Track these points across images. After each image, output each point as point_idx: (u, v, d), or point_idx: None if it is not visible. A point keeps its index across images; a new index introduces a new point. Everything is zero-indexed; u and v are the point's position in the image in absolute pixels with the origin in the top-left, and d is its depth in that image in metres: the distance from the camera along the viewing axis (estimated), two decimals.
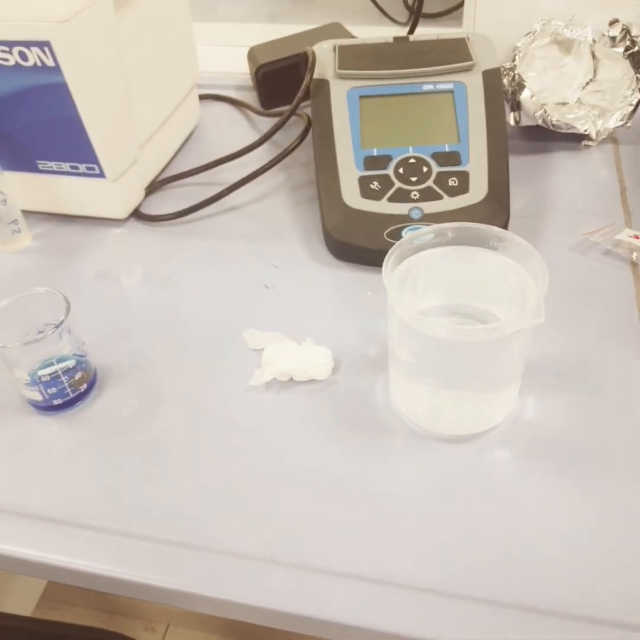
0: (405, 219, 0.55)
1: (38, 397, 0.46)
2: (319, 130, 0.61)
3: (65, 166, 0.59)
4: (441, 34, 0.65)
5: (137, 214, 0.65)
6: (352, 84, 0.62)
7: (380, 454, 0.44)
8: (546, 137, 0.68)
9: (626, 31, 0.68)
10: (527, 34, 0.71)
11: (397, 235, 0.55)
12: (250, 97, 0.82)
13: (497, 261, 0.41)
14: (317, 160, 0.61)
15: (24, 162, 0.60)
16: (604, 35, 0.69)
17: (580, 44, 0.69)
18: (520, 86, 0.67)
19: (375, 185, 0.57)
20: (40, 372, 0.45)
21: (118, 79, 0.57)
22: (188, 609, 0.40)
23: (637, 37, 0.67)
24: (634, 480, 0.41)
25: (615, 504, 0.40)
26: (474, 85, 0.61)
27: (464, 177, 0.56)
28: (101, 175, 0.59)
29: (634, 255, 0.54)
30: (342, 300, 0.55)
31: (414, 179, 0.57)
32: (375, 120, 0.60)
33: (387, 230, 0.55)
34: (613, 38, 0.68)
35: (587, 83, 0.69)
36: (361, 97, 0.61)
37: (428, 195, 0.56)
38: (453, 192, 0.56)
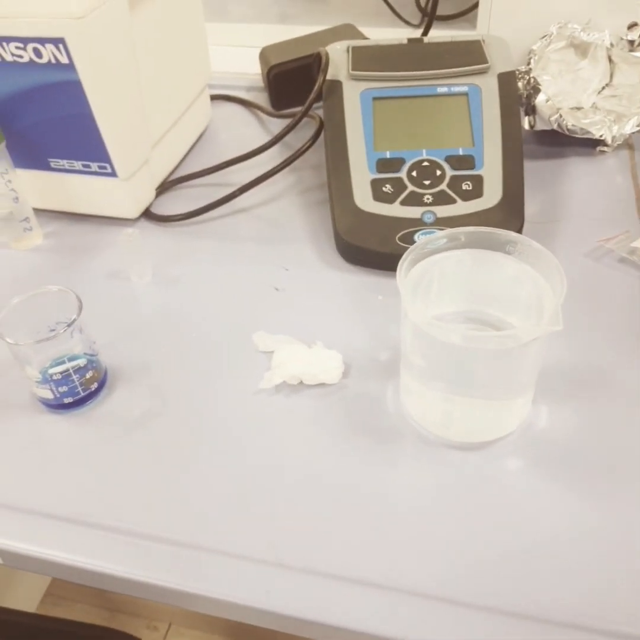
0: (418, 223, 0.55)
1: (49, 395, 0.46)
2: (331, 132, 0.61)
3: (77, 165, 0.59)
4: (456, 36, 0.65)
5: (147, 214, 0.65)
6: (365, 85, 0.61)
7: (390, 460, 0.44)
8: (561, 142, 0.67)
9: None
10: (543, 37, 0.70)
11: (409, 239, 0.54)
12: (261, 98, 0.82)
13: (514, 267, 0.41)
14: (329, 163, 0.60)
15: (36, 160, 0.60)
16: (622, 39, 0.68)
17: (597, 48, 0.68)
18: (536, 90, 0.66)
19: (387, 188, 0.56)
20: (52, 371, 0.45)
21: (131, 77, 0.57)
22: (193, 610, 0.40)
23: None
24: None
25: (629, 515, 0.39)
26: (489, 88, 0.60)
27: (478, 181, 0.56)
28: (113, 174, 0.59)
29: None
30: (353, 304, 0.55)
31: (427, 182, 0.56)
32: (388, 122, 0.60)
33: (400, 234, 0.54)
34: (631, 42, 0.68)
35: (603, 87, 0.69)
36: (374, 98, 0.61)
37: (441, 199, 0.55)
38: (467, 197, 0.55)
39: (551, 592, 0.36)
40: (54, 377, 0.45)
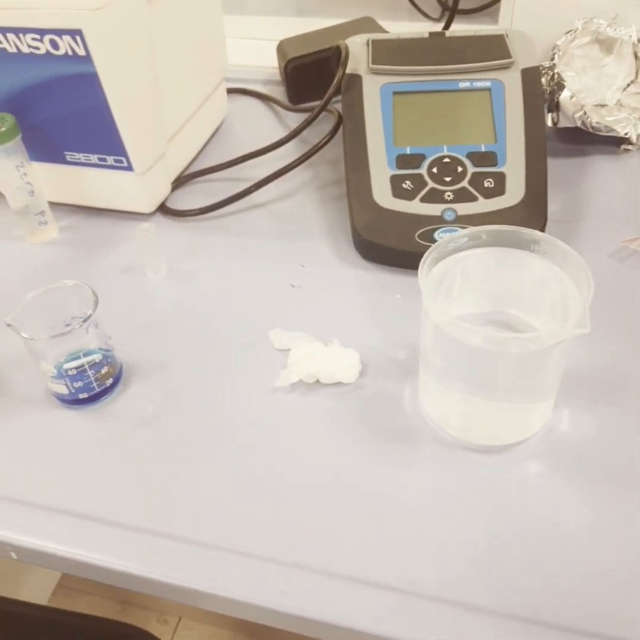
0: (438, 221, 0.54)
1: (64, 390, 0.45)
2: (350, 127, 0.60)
3: (93, 158, 0.59)
4: (478, 30, 0.64)
5: (163, 209, 0.64)
6: (385, 79, 0.60)
7: (408, 462, 0.43)
8: (584, 140, 0.66)
9: None
10: (568, 32, 0.69)
11: (429, 236, 0.53)
12: (278, 92, 0.81)
13: (539, 267, 0.40)
14: (347, 158, 0.59)
15: (51, 153, 0.60)
16: None
17: (623, 44, 0.67)
18: (560, 86, 0.65)
19: (407, 184, 0.55)
20: (67, 366, 0.44)
21: (148, 70, 0.56)
22: (208, 609, 0.39)
23: None
24: None
25: None
26: (512, 83, 0.59)
27: (500, 178, 0.55)
28: (129, 168, 0.58)
29: None
30: (370, 302, 0.54)
31: (448, 179, 0.55)
32: (408, 117, 0.59)
33: (419, 232, 0.53)
34: None
35: (628, 84, 0.67)
36: (395, 93, 0.60)
37: (462, 196, 0.54)
38: (488, 194, 0.54)
39: (570, 598, 0.36)
40: (69, 373, 0.44)
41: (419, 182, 0.55)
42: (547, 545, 0.38)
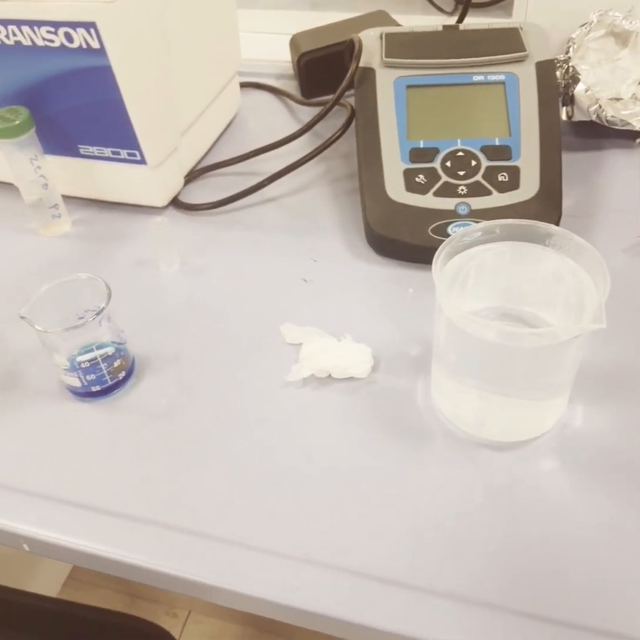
0: (452, 215, 0.53)
1: (77, 383, 0.45)
2: (363, 121, 0.60)
3: (107, 151, 0.59)
4: (492, 23, 0.63)
5: (175, 203, 0.64)
6: (399, 73, 0.60)
7: (420, 458, 0.43)
8: (599, 134, 0.65)
9: None
10: (583, 25, 0.68)
11: (442, 231, 0.53)
12: (291, 86, 0.81)
13: (555, 261, 0.39)
14: (360, 152, 0.59)
15: (65, 146, 0.60)
16: None
17: (638, 36, 0.66)
18: (574, 79, 0.64)
19: (420, 178, 0.55)
20: (80, 358, 0.44)
21: (163, 63, 0.56)
22: (221, 604, 0.39)
23: None
24: None
25: None
26: (526, 77, 0.59)
27: (514, 172, 0.54)
28: (142, 161, 0.58)
29: None
30: (382, 297, 0.54)
31: (461, 173, 0.55)
32: (422, 111, 0.58)
33: (432, 226, 0.53)
34: None
35: None
36: (408, 86, 0.59)
37: (476, 190, 0.54)
38: (503, 188, 0.54)
39: (585, 596, 0.35)
40: (82, 365, 0.44)
41: (432, 176, 0.55)
42: (562, 542, 0.38)
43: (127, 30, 0.51)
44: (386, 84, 0.60)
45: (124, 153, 0.58)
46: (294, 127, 0.65)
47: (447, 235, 0.52)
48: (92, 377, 0.45)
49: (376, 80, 0.60)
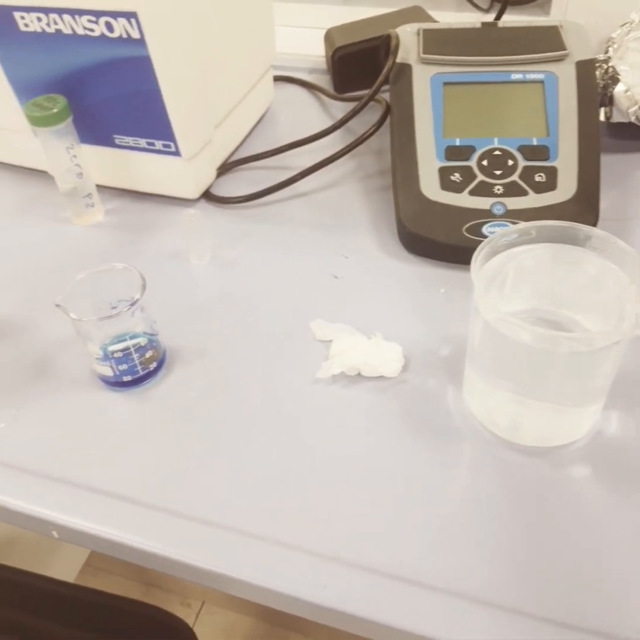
0: (487, 215, 0.53)
1: (109, 372, 0.46)
2: (399, 117, 0.59)
3: (142, 142, 0.59)
4: (532, 21, 0.62)
5: (207, 195, 0.64)
6: (436, 69, 0.59)
7: (450, 460, 0.42)
8: (638, 136, 0.64)
9: None
10: (623, 25, 0.67)
11: (477, 231, 0.52)
12: (323, 81, 0.80)
13: (597, 265, 0.39)
14: (395, 148, 0.59)
15: (101, 136, 0.60)
16: None
17: None
18: (614, 80, 0.63)
19: (456, 177, 0.54)
20: (112, 348, 0.44)
21: (200, 55, 0.56)
22: (246, 598, 0.39)
23: None
24: None
25: None
26: (566, 76, 0.58)
27: (551, 173, 0.54)
28: (176, 153, 0.58)
29: None
30: (413, 296, 0.53)
31: (498, 172, 0.54)
32: (459, 108, 0.58)
33: (467, 225, 0.53)
34: None
35: None
36: (445, 83, 0.59)
37: (512, 190, 0.53)
38: (539, 189, 0.53)
39: (614, 605, 0.35)
40: (115, 355, 0.45)
41: (468, 174, 0.54)
42: (594, 551, 0.37)
43: (167, 21, 0.51)
44: (423, 80, 0.59)
45: (158, 144, 0.58)
46: (325, 122, 0.65)
47: (482, 235, 0.52)
48: (124, 367, 0.45)
49: (413, 76, 0.59)
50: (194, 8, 0.54)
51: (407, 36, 0.63)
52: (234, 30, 0.62)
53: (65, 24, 0.52)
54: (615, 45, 0.67)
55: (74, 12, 0.51)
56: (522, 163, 0.54)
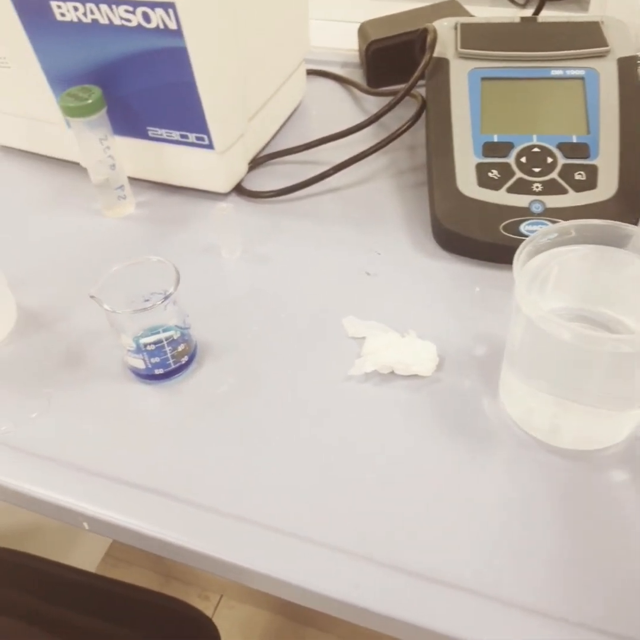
0: (525, 213, 0.52)
1: (141, 365, 0.45)
2: (435, 112, 0.58)
3: (175, 135, 0.58)
4: (572, 17, 0.61)
5: (238, 189, 0.64)
6: (474, 64, 0.58)
7: (485, 461, 0.41)
8: None
9: None
10: None
11: (514, 229, 0.51)
12: (356, 75, 0.80)
13: None
14: (431, 144, 0.58)
15: (134, 127, 0.60)
16: None
17: None
18: None
19: (493, 173, 0.53)
20: (145, 340, 0.44)
21: (236, 47, 0.56)
22: (279, 596, 0.39)
23: None
24: None
25: None
26: (607, 73, 0.56)
27: (592, 171, 0.53)
28: (210, 146, 0.58)
29: None
30: (448, 294, 0.52)
31: (536, 169, 0.53)
32: (497, 104, 0.57)
33: (504, 223, 0.52)
34: None
35: None
36: (483, 79, 0.58)
37: (551, 188, 0.52)
38: (579, 187, 0.52)
39: None
40: (148, 348, 0.44)
41: (506, 171, 0.53)
42: (632, 557, 0.36)
43: (204, 12, 0.51)
44: (460, 75, 0.58)
45: (192, 137, 0.58)
46: (358, 117, 0.64)
47: (520, 234, 0.51)
48: (156, 359, 0.45)
49: (450, 71, 0.59)
50: (230, 0, 0.53)
51: (445, 30, 0.62)
52: (269, 23, 0.62)
53: (102, 14, 0.52)
54: None
55: (111, 2, 0.51)
56: (561, 161, 0.53)
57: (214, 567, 0.39)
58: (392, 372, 0.47)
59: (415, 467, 0.41)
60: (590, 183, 0.52)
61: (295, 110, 0.75)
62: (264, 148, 0.69)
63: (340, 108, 0.75)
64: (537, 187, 0.52)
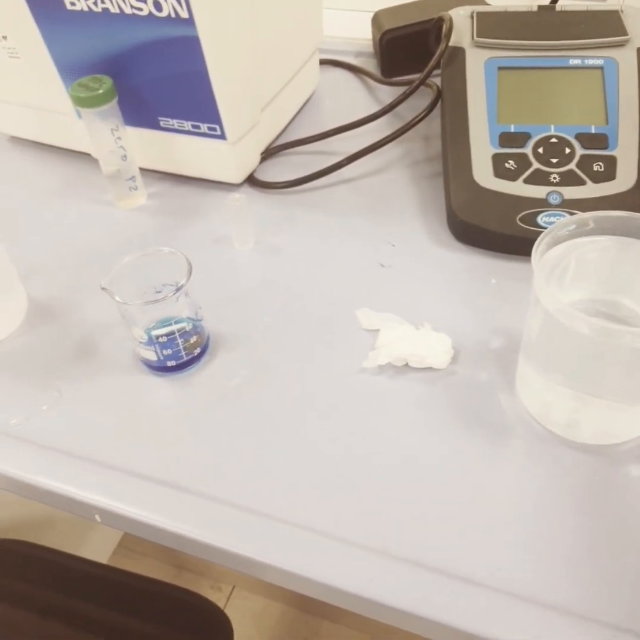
0: (542, 204, 0.51)
1: (153, 357, 0.45)
2: (451, 102, 0.57)
3: (187, 125, 0.58)
4: (591, 5, 0.60)
5: (251, 180, 0.63)
6: (490, 53, 0.57)
7: (500, 455, 0.41)
8: None
9: None
10: None
11: (531, 220, 0.50)
12: (369, 64, 0.79)
13: None
14: (447, 134, 0.57)
15: (146, 117, 0.59)
16: None
17: None
18: None
19: (510, 164, 0.53)
20: (156, 332, 0.44)
21: (249, 37, 0.55)
22: (294, 590, 0.38)
23: None
24: None
25: None
26: (627, 62, 0.55)
27: (610, 162, 0.52)
28: (222, 136, 0.57)
29: None
30: (463, 286, 0.52)
31: (554, 160, 0.52)
32: (514, 94, 0.56)
33: (521, 215, 0.51)
34: None
35: None
36: (500, 68, 0.57)
37: (569, 179, 0.51)
38: (597, 178, 0.51)
39: None
40: (160, 340, 0.44)
41: (523, 162, 0.52)
42: None
43: (216, 1, 0.50)
44: (476, 64, 0.57)
45: (204, 127, 0.57)
46: (371, 107, 0.64)
47: (537, 225, 0.50)
48: (168, 351, 0.45)
49: (466, 60, 0.58)
50: None
51: (460, 19, 0.61)
52: (282, 12, 0.61)
53: (113, 3, 0.51)
54: None
55: None
56: (579, 151, 0.52)
57: (226, 560, 0.39)
58: (407, 365, 0.46)
59: (430, 460, 0.41)
60: (608, 174, 0.51)
61: (308, 100, 0.74)
62: (276, 138, 0.68)
63: (354, 98, 0.74)
64: (554, 178, 0.52)
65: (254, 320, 0.51)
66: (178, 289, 0.43)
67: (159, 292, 0.45)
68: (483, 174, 0.53)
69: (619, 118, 0.53)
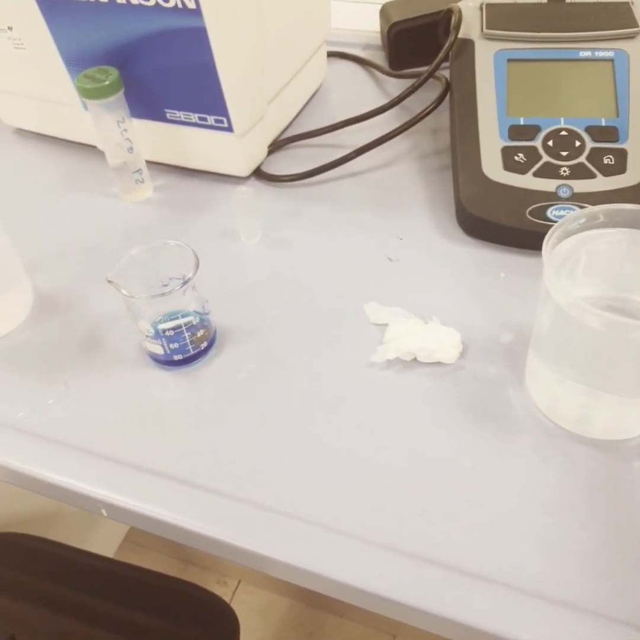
0: (552, 197, 0.50)
1: (159, 350, 0.45)
2: (460, 95, 0.57)
3: (194, 117, 0.58)
4: None
5: (258, 173, 0.63)
6: (500, 45, 0.57)
7: (509, 450, 0.40)
8: None
9: None
10: None
11: (541, 214, 0.50)
12: (377, 57, 0.78)
13: None
14: (455, 127, 0.56)
15: (152, 110, 0.59)
16: None
17: None
18: None
19: (520, 157, 0.52)
20: (163, 326, 0.44)
21: (256, 28, 0.55)
22: (302, 586, 0.38)
23: None
24: None
25: None
26: (637, 54, 0.55)
27: (621, 155, 0.51)
28: (229, 129, 0.57)
29: None
30: (472, 280, 0.51)
31: (564, 153, 0.52)
32: (523, 86, 0.55)
33: (530, 208, 0.50)
34: None
35: None
36: (509, 60, 0.56)
37: (579, 172, 0.51)
38: (608, 172, 0.51)
39: None
40: (167, 333, 0.44)
41: (532, 155, 0.52)
42: None
43: None
44: (486, 56, 0.57)
45: (211, 119, 0.57)
46: (379, 99, 0.63)
47: (546, 219, 0.50)
48: (175, 345, 0.45)
49: (475, 52, 0.57)
50: None
51: (469, 11, 0.60)
52: (290, 4, 0.61)
53: None
54: None
55: None
56: (589, 144, 0.52)
57: (232, 555, 0.39)
58: (415, 359, 0.46)
59: (438, 455, 0.41)
60: (619, 167, 0.51)
61: (315, 92, 0.73)
62: (284, 131, 0.68)
63: (362, 90, 0.74)
64: (564, 171, 0.51)
65: (262, 313, 0.50)
66: (185, 282, 0.42)
67: (166, 285, 0.45)
68: (492, 167, 0.52)
69: (630, 111, 0.53)
